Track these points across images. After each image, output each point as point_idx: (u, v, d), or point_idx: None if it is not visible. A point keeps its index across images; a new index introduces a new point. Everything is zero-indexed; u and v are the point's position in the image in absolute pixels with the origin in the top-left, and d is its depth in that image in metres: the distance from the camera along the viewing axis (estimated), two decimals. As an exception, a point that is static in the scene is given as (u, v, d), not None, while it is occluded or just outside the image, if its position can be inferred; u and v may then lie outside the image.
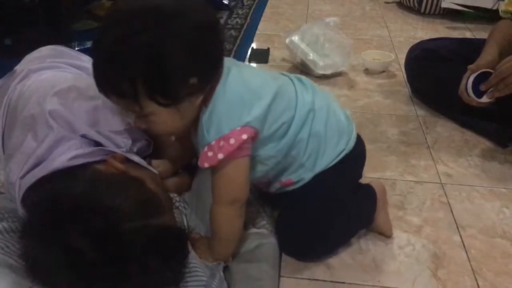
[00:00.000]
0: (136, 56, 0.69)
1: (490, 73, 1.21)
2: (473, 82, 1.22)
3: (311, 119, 0.89)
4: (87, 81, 1.00)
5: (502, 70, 1.18)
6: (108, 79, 0.73)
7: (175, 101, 0.74)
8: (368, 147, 1.37)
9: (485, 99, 1.22)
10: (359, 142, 0.99)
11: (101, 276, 0.71)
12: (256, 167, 0.89)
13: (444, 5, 2.39)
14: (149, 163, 0.95)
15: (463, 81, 1.25)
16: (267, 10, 2.58)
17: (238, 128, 0.78)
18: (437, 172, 1.27)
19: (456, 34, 2.26)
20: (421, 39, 1.73)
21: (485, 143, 1.42)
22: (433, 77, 1.53)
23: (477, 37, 2.13)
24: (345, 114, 0.99)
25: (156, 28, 0.69)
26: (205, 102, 0.78)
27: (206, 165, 0.79)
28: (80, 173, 0.79)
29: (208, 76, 0.76)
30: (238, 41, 2.16)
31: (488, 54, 1.28)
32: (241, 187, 0.86)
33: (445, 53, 1.53)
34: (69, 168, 0.80)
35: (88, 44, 1.81)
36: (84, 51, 1.30)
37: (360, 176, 1.06)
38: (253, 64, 1.94)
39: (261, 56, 1.98)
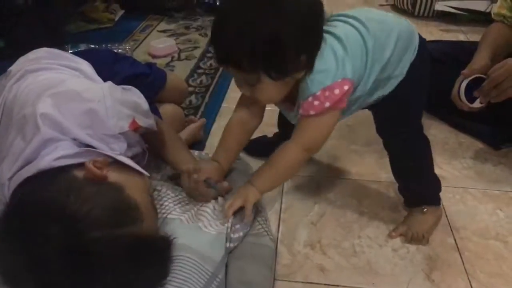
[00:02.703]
0: (258, 38, 0.77)
1: (483, 78, 1.21)
2: (466, 88, 1.22)
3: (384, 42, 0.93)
4: (84, 84, 1.00)
5: (494, 77, 1.18)
6: (232, 55, 0.81)
7: (285, 75, 0.82)
8: (363, 149, 1.39)
9: (477, 104, 1.22)
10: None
11: (66, 284, 0.70)
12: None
13: (437, 7, 2.40)
14: None
15: (456, 86, 1.26)
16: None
17: (339, 80, 0.85)
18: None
19: (449, 37, 2.27)
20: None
21: (479, 145, 1.42)
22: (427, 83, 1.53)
23: (471, 39, 2.14)
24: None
25: (274, 12, 0.78)
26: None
27: (312, 112, 0.87)
28: (60, 177, 0.79)
29: (315, 53, 0.84)
30: (232, 43, 2.16)
31: (480, 59, 1.28)
32: (324, 137, 0.94)
33: (439, 55, 1.53)
34: (53, 169, 0.80)
35: (82, 46, 1.80)
36: (78, 53, 1.30)
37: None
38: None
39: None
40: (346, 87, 0.86)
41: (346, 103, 0.90)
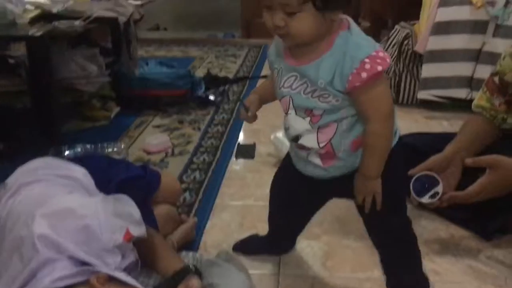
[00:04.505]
0: None
1: (428, 175, 1.30)
2: (414, 184, 1.30)
3: None
4: (77, 199, 1.03)
5: (469, 201, 1.27)
6: None
7: (326, 6, 0.86)
8: (355, 244, 1.40)
9: (426, 200, 1.30)
10: None
11: None
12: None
13: (420, 96, 2.50)
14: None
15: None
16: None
17: (378, 48, 0.90)
18: (425, 270, 1.27)
19: (433, 123, 2.36)
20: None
21: (470, 236, 1.43)
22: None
23: (454, 125, 2.21)
24: None
25: None
26: (341, 28, 0.91)
27: (380, 68, 0.88)
28: None
29: None
30: (224, 137, 2.23)
31: (440, 155, 1.38)
32: (390, 102, 0.95)
33: (422, 147, 1.58)
34: None
35: (78, 147, 1.85)
36: (74, 159, 1.34)
37: None
38: (240, 160, 1.98)
39: (248, 152, 2.03)
40: (388, 59, 0.90)
41: None
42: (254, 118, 1.11)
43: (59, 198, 0.98)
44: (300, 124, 0.99)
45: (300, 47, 0.93)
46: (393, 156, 0.99)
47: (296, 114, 0.99)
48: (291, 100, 0.98)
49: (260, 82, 3.02)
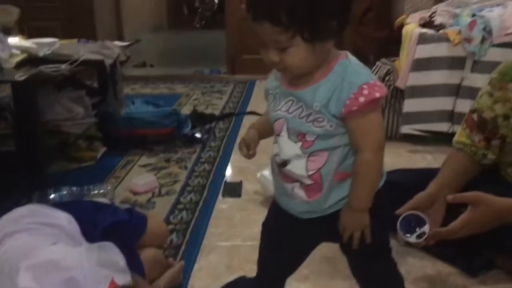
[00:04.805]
0: None
1: (414, 215, 1.31)
2: (401, 223, 1.31)
3: None
4: (61, 251, 1.03)
5: (452, 237, 1.29)
6: (271, 9, 0.86)
7: (314, 37, 0.88)
8: (342, 284, 1.40)
9: (413, 239, 1.31)
10: None
11: None
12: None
13: (403, 130, 2.55)
14: None
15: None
16: (239, 141, 2.69)
17: (375, 78, 0.94)
18: (413, 309, 1.28)
19: (417, 157, 2.39)
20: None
21: (457, 273, 1.44)
22: (394, 209, 1.59)
23: (437, 159, 2.25)
24: None
25: None
26: (339, 58, 0.94)
27: (378, 95, 0.90)
28: None
29: (344, 24, 0.91)
30: (211, 175, 2.23)
31: (423, 193, 1.40)
32: (382, 132, 0.97)
33: (407, 183, 1.60)
34: None
35: (64, 190, 1.84)
36: (60, 205, 1.34)
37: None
38: (227, 199, 1.99)
39: (234, 190, 2.04)
40: (385, 89, 0.93)
41: None
42: (253, 154, 1.10)
43: (44, 249, 0.98)
44: (290, 148, 0.98)
45: (299, 76, 0.96)
46: (380, 197, 0.99)
47: (288, 137, 0.98)
48: (285, 122, 0.98)
49: (246, 118, 3.06)
